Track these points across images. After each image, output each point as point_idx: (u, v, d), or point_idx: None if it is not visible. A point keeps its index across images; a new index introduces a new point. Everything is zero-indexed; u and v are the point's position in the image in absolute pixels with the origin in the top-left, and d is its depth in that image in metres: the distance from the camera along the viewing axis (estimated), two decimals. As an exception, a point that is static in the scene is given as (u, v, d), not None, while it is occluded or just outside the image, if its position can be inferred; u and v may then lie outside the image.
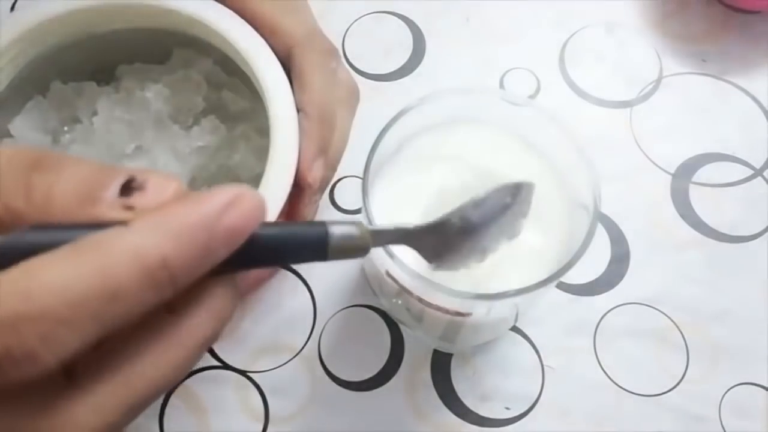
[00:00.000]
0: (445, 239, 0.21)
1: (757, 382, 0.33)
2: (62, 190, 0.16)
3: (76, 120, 0.32)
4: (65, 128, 0.32)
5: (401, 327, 0.34)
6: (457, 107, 0.29)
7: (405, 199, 0.28)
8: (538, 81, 0.41)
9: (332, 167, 0.30)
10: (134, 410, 0.16)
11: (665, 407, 0.33)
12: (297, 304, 0.35)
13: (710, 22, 0.42)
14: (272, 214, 0.26)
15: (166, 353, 0.16)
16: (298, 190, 0.27)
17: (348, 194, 0.37)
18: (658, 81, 0.41)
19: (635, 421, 0.33)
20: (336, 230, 0.17)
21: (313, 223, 0.18)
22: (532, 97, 0.40)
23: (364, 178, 0.25)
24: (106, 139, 0.31)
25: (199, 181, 0.31)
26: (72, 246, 0.14)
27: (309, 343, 0.34)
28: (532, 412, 0.33)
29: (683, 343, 0.34)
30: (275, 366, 0.34)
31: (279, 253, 0.17)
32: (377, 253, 0.26)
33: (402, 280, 0.26)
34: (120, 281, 0.14)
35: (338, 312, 0.35)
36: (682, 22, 0.42)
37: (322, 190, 0.30)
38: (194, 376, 0.33)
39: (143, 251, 0.14)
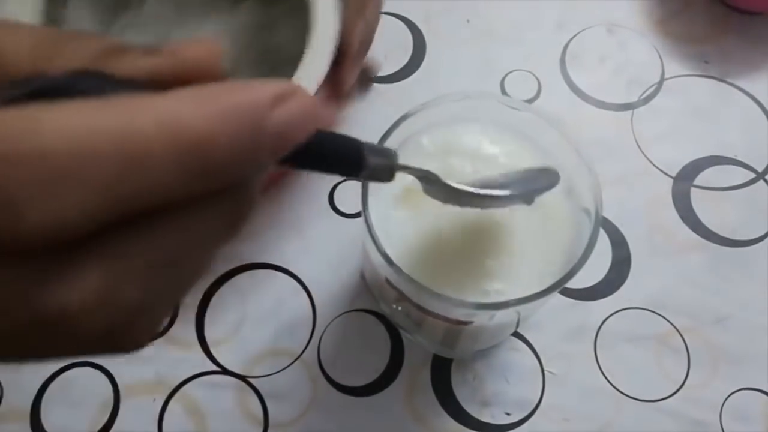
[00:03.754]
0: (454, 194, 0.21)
1: (759, 388, 0.33)
2: (84, 46, 0.14)
3: (127, 5, 0.31)
4: (116, 14, 0.31)
5: (401, 332, 0.34)
6: (458, 110, 0.29)
7: (405, 201, 0.28)
8: (539, 83, 0.40)
9: (371, 30, 0.29)
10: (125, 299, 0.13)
11: (666, 413, 0.33)
12: (296, 308, 0.35)
13: (712, 23, 0.42)
14: (317, 77, 0.26)
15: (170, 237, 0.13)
16: (341, 54, 0.26)
17: (348, 198, 0.37)
18: (660, 83, 0.40)
19: (636, 427, 0.32)
20: (370, 150, 0.17)
21: (349, 139, 0.17)
22: (533, 99, 0.40)
23: (363, 182, 0.25)
24: (154, 26, 0.30)
25: (243, 63, 0.30)
26: (97, 100, 0.12)
27: (308, 347, 0.34)
28: (532, 418, 0.33)
29: (684, 348, 0.34)
30: (275, 371, 0.33)
31: (317, 162, 0.16)
32: (378, 261, 0.26)
33: (402, 288, 0.26)
34: (146, 150, 0.11)
35: (338, 317, 0.35)
36: (684, 23, 0.42)
37: (362, 54, 0.29)
38: (193, 381, 0.33)
39: (180, 121, 0.12)
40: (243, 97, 0.12)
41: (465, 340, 0.31)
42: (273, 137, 0.13)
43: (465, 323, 0.27)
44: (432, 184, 0.21)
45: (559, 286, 0.24)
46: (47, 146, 0.11)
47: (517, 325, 0.32)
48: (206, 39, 0.15)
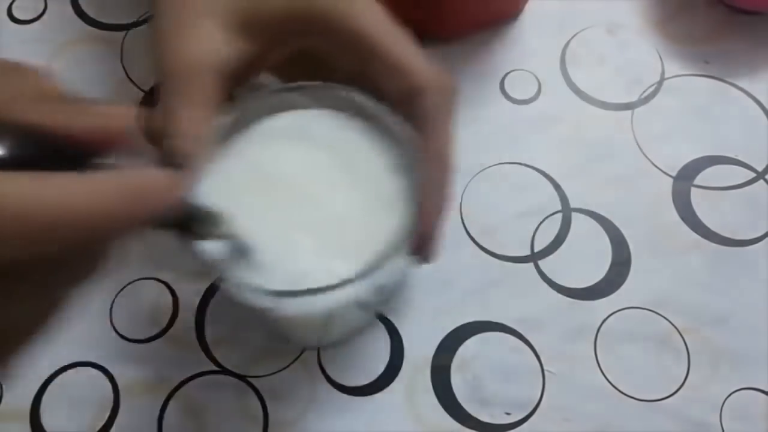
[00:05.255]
0: None
1: (759, 387, 0.33)
2: (24, 84, 0.18)
3: None
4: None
5: (401, 333, 0.34)
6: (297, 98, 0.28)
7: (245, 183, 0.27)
8: (539, 83, 0.40)
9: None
10: None
11: (666, 412, 0.33)
12: (296, 308, 0.35)
13: (712, 23, 0.42)
14: None
15: None
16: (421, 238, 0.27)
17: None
18: (660, 83, 0.40)
19: (636, 427, 0.32)
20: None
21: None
22: (533, 99, 0.40)
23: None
24: None
25: None
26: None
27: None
28: (532, 418, 0.33)
29: (684, 347, 0.34)
30: (275, 370, 0.34)
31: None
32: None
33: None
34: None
35: (338, 316, 0.35)
36: (685, 23, 0.42)
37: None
38: (193, 381, 0.33)
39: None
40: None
41: (314, 329, 0.31)
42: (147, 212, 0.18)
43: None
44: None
45: (369, 273, 0.24)
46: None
47: (383, 305, 0.31)
48: (125, 107, 0.19)
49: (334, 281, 0.23)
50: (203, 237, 0.23)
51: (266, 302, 0.25)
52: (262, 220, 0.26)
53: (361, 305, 0.30)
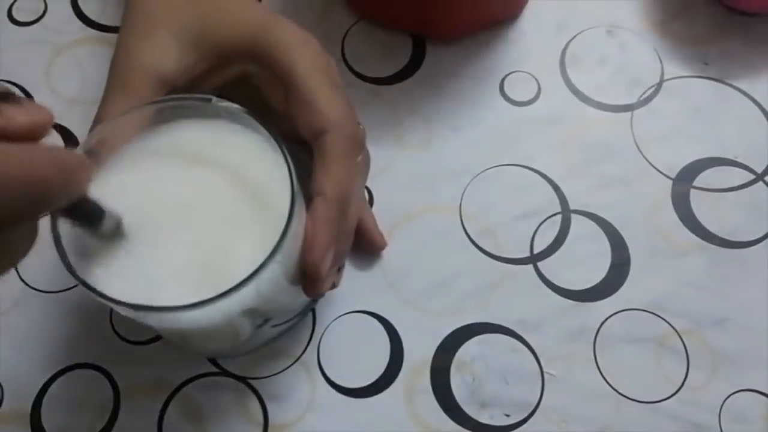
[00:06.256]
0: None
1: (758, 389, 0.33)
2: None
3: None
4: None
5: (401, 334, 0.34)
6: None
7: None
8: (539, 84, 0.40)
9: (340, 258, 0.30)
10: None
11: (665, 414, 0.33)
12: (296, 309, 0.35)
13: (712, 24, 0.42)
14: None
15: None
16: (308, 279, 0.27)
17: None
18: (660, 85, 0.40)
19: (635, 428, 0.32)
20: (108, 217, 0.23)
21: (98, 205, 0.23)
22: (532, 100, 0.40)
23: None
24: None
25: None
26: None
27: (308, 349, 0.34)
28: (531, 419, 0.33)
29: (683, 349, 0.34)
30: (274, 372, 0.34)
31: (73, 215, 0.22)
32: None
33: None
34: None
35: (337, 318, 0.35)
36: (684, 24, 0.42)
37: (331, 278, 0.30)
38: (193, 383, 0.33)
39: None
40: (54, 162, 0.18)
41: (198, 339, 0.31)
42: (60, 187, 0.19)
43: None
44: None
45: (222, 298, 0.23)
46: None
47: (264, 322, 0.31)
48: (42, 108, 0.19)
49: (193, 299, 0.23)
50: (89, 228, 0.23)
51: (126, 312, 0.25)
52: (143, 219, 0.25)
53: (245, 316, 0.28)
